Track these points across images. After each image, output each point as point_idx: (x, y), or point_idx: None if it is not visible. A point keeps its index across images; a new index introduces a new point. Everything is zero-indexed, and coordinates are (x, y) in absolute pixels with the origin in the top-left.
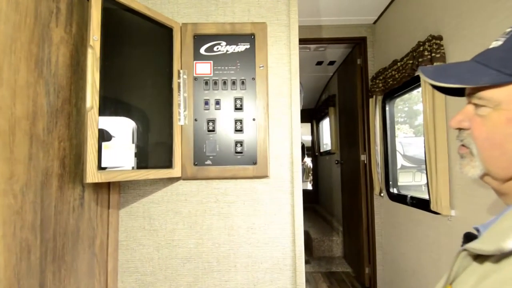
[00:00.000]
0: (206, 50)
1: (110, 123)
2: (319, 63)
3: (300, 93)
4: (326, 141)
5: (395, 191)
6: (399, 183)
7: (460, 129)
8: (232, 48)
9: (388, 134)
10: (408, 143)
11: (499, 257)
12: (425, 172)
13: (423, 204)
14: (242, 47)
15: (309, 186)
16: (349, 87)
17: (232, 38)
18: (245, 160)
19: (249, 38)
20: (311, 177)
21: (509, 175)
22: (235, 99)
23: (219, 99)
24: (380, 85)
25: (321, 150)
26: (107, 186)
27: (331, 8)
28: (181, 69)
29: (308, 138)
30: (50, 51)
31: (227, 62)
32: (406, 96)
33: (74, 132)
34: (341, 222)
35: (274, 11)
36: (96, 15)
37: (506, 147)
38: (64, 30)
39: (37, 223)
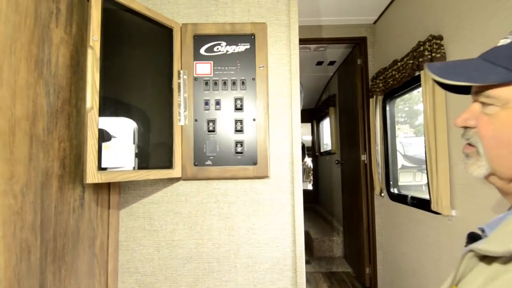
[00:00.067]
0: (206, 51)
1: (111, 123)
2: (319, 63)
3: (300, 93)
4: (327, 141)
5: (395, 191)
6: (399, 183)
7: (465, 127)
8: (232, 48)
9: (388, 134)
10: (409, 143)
11: (507, 258)
12: (425, 172)
13: (423, 204)
14: (242, 47)
15: (310, 186)
16: (349, 87)
17: (232, 38)
18: (245, 160)
19: (249, 38)
20: (312, 177)
21: None
22: (235, 99)
23: (219, 99)
24: (381, 85)
25: (322, 150)
26: (107, 187)
27: (331, 8)
28: (181, 69)
29: (308, 138)
30: (50, 51)
31: (227, 62)
32: (407, 96)
33: (74, 132)
34: (342, 222)
35: (274, 11)
36: (96, 16)
37: None
38: (64, 30)
39: (37, 223)
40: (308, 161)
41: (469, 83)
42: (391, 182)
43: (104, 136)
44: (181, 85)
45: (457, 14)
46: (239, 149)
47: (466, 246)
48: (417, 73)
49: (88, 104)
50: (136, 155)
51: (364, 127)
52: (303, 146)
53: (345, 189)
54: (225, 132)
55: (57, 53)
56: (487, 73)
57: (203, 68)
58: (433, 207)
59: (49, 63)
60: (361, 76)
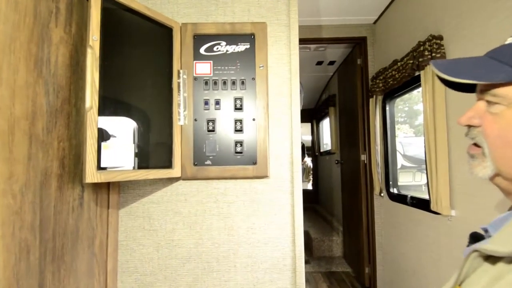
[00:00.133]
0: (206, 50)
1: (111, 123)
2: (319, 63)
3: (300, 93)
4: (326, 141)
5: (395, 191)
6: (399, 183)
7: (469, 126)
8: (232, 48)
9: (388, 134)
10: (408, 143)
11: None
12: (425, 172)
13: (423, 204)
14: (242, 47)
15: (309, 186)
16: (349, 87)
17: (232, 38)
18: (245, 160)
19: (249, 38)
20: (311, 177)
21: None
22: (235, 99)
23: (219, 99)
24: (380, 85)
25: (321, 150)
26: (107, 186)
27: (331, 8)
28: (181, 69)
29: (308, 138)
30: (50, 51)
31: (227, 62)
32: (406, 96)
33: (73, 132)
34: (341, 222)
35: (274, 11)
36: (95, 15)
37: None
38: (64, 30)
39: (36, 223)
40: (308, 161)
41: (476, 81)
42: (390, 182)
43: (103, 136)
44: (181, 84)
45: (457, 14)
46: (238, 149)
47: (468, 246)
48: (417, 73)
49: (88, 103)
50: (136, 154)
51: (364, 127)
52: (303, 146)
53: (344, 189)
54: (225, 132)
55: (57, 53)
56: (494, 72)
57: (203, 68)
58: (433, 207)
59: (49, 62)
60: (361, 76)
